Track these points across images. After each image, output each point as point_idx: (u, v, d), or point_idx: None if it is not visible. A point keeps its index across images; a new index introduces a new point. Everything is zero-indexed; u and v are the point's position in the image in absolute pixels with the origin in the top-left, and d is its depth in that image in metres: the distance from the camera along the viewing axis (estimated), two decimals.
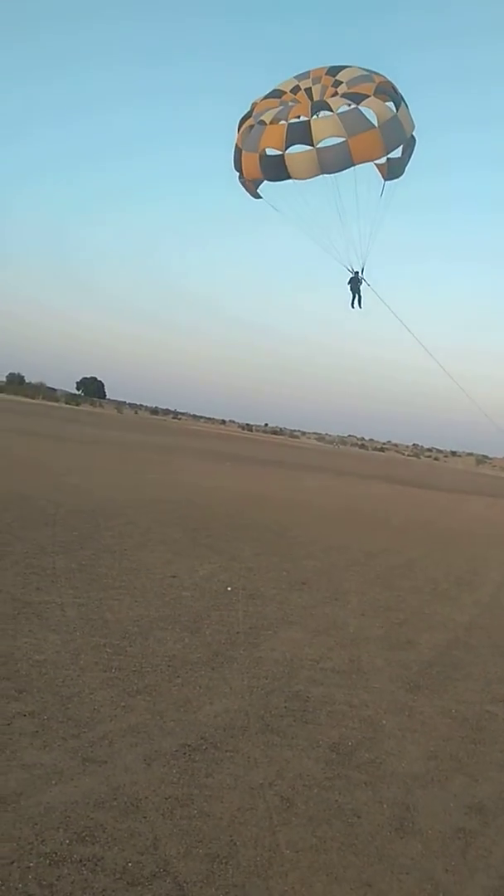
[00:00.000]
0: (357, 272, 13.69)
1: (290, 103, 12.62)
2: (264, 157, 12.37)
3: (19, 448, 34.94)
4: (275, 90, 13.07)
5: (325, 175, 11.91)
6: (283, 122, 12.12)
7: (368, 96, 11.76)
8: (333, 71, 12.58)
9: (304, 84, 12.82)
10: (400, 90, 12.28)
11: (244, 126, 13.09)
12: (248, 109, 13.04)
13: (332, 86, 12.41)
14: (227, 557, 15.04)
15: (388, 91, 12.11)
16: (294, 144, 11.78)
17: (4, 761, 5.64)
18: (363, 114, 11.54)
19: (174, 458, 46.76)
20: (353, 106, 11.70)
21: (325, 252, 13.35)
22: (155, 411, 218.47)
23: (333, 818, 5.61)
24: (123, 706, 6.96)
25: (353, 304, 14.31)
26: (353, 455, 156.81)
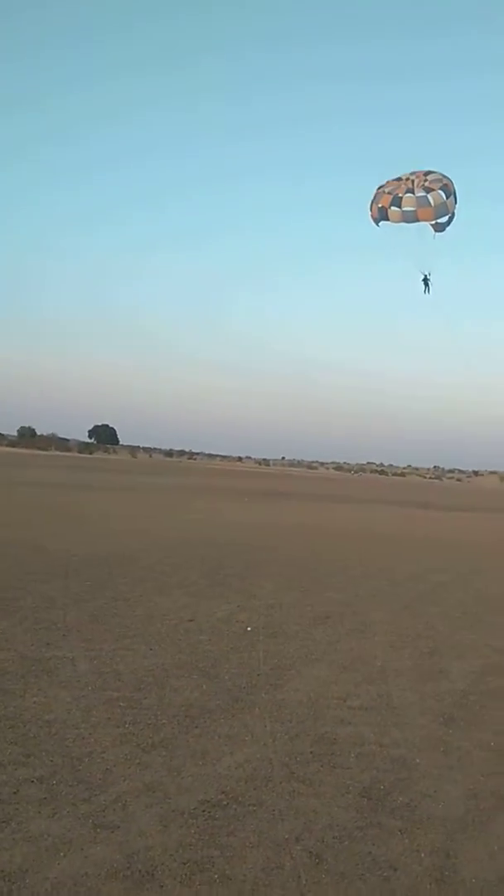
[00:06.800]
0: (426, 275, 22.71)
1: (400, 184, 22.38)
2: (379, 209, 21.91)
3: (33, 499, 34.83)
4: (398, 177, 23.04)
5: (405, 223, 22.15)
6: (390, 193, 22.04)
7: (434, 190, 21.79)
8: (427, 173, 22.38)
9: (412, 177, 22.57)
10: (455, 189, 22.23)
11: (379, 190, 22.78)
12: (383, 182, 22.83)
13: (423, 180, 22.14)
14: (247, 596, 14.63)
15: (446, 189, 21.78)
16: (393, 206, 21.84)
17: (9, 834, 5.25)
18: (428, 199, 21.72)
19: (190, 499, 46.49)
20: (424, 194, 21.82)
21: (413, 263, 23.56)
22: (169, 453, 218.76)
23: (367, 872, 5.15)
24: (138, 763, 6.56)
25: (424, 291, 22.80)
26: (373, 482, 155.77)
